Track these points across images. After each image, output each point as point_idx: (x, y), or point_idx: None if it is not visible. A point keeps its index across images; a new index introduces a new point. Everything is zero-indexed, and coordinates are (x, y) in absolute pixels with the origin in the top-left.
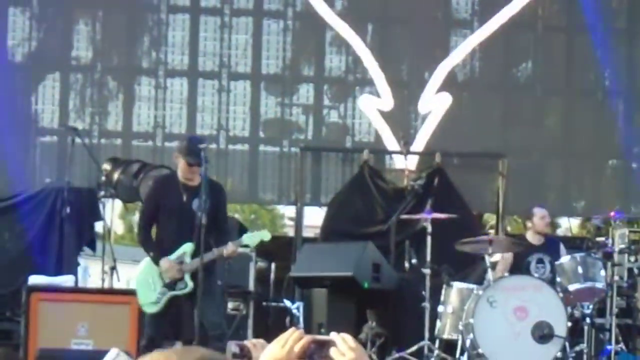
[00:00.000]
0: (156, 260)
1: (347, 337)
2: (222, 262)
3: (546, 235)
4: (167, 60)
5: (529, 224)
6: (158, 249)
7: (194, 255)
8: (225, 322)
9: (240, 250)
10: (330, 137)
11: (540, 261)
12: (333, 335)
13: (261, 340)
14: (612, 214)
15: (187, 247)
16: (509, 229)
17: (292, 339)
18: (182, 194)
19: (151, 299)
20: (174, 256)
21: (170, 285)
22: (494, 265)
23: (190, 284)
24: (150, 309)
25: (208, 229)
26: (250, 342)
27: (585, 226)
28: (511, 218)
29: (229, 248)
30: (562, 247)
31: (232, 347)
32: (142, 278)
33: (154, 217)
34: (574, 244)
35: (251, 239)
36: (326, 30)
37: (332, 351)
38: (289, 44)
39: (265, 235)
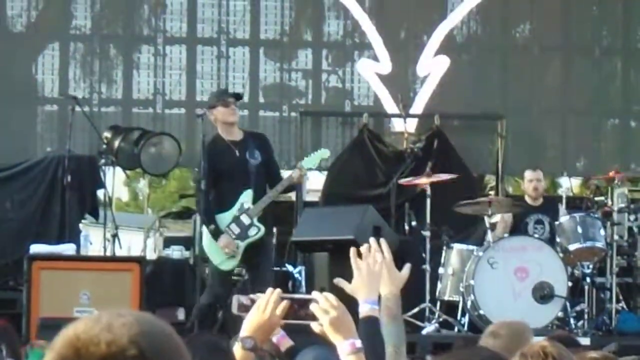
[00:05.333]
0: (215, 235)
1: (330, 296)
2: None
3: (544, 195)
4: (166, 28)
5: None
6: (214, 221)
7: (255, 200)
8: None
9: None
10: (329, 102)
11: (538, 222)
12: (315, 294)
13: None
14: (611, 173)
15: (246, 195)
16: (510, 189)
17: (271, 302)
18: (234, 150)
19: (226, 254)
20: (235, 209)
21: (242, 235)
22: (493, 226)
23: (262, 227)
24: (228, 265)
25: (264, 177)
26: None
27: (587, 186)
28: (512, 179)
29: (294, 174)
30: (561, 206)
31: (243, 299)
32: (209, 237)
33: (211, 182)
34: (573, 203)
35: (311, 161)
36: None
37: (314, 308)
38: (287, 10)
39: (324, 154)
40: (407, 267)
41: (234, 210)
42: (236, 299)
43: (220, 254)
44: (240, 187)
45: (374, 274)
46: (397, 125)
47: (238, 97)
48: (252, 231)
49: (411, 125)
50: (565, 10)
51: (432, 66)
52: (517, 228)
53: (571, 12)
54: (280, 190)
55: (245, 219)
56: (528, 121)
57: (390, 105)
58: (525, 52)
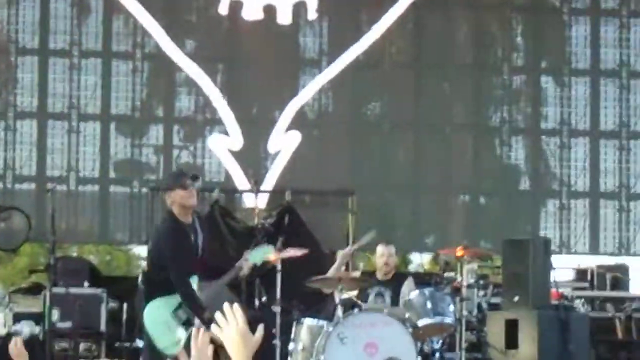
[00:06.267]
0: (210, 322)
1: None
2: (74, 304)
3: (395, 271)
4: (17, 102)
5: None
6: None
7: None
8: None
9: (92, 291)
10: None
11: (379, 294)
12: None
13: None
14: (460, 249)
15: (194, 282)
16: (361, 265)
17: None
18: (190, 235)
19: (172, 340)
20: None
21: (188, 322)
22: (344, 302)
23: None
24: (172, 350)
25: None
26: None
27: (437, 262)
28: (364, 254)
29: (244, 266)
30: (409, 281)
31: None
32: (155, 321)
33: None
34: (423, 279)
35: (257, 256)
36: (176, 71)
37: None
38: (138, 85)
39: (269, 251)
40: (260, 329)
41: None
42: None
43: (166, 338)
44: (187, 273)
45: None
46: (249, 201)
47: (196, 178)
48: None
49: (262, 201)
50: (416, 87)
51: (284, 142)
52: (360, 300)
53: (422, 89)
54: (227, 281)
55: None
56: (379, 197)
57: (241, 181)
58: (377, 128)
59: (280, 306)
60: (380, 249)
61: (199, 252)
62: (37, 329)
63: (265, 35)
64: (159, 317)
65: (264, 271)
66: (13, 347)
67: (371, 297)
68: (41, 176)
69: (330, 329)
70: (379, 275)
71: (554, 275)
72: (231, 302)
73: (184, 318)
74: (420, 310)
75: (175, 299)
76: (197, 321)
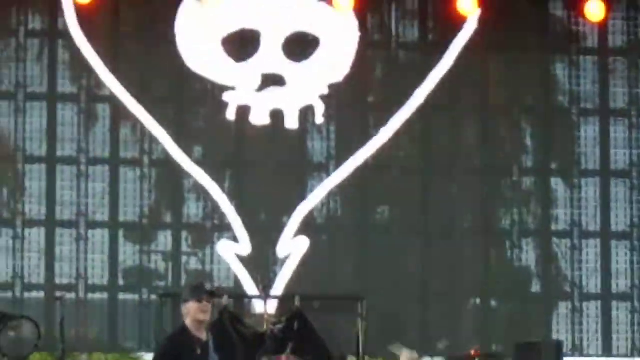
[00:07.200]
0: None
1: None
2: None
3: None
4: (25, 210)
5: None
6: None
7: None
8: None
9: None
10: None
11: None
12: None
13: None
14: (472, 352)
15: None
16: None
17: None
18: (197, 349)
19: None
20: None
21: None
22: None
23: None
24: None
25: None
26: None
27: None
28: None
29: None
30: None
31: None
32: None
33: None
34: None
35: None
36: (183, 177)
37: None
38: (146, 192)
39: None
40: None
41: None
42: None
43: None
44: None
45: None
46: (258, 306)
47: (213, 294)
48: None
49: (272, 306)
50: (425, 190)
51: (292, 247)
52: None
53: (431, 193)
54: None
55: None
56: (389, 302)
57: (250, 287)
58: (385, 233)
59: None
60: (406, 353)
61: None
62: None
63: (273, 140)
64: None
65: None
66: None
67: None
68: (50, 284)
69: None
70: None
71: None
72: None
73: None
74: None
75: None
76: None
